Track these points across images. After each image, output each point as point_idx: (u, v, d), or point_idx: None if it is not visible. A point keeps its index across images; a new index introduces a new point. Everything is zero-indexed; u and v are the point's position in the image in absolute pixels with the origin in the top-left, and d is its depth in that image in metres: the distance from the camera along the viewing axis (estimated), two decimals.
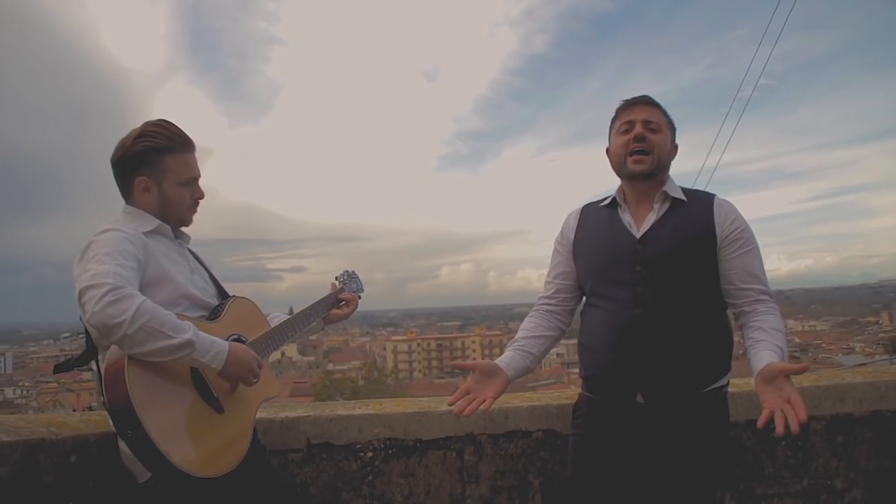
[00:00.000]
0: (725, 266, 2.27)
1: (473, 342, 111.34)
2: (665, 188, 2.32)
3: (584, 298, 2.46)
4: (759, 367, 2.03)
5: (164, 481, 1.96)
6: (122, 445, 2.01)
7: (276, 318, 2.53)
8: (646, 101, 2.36)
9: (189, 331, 1.91)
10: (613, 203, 2.41)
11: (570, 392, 3.01)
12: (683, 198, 2.32)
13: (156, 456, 1.83)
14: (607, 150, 2.43)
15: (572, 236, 2.48)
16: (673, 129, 2.38)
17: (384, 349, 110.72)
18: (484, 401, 2.17)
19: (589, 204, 2.53)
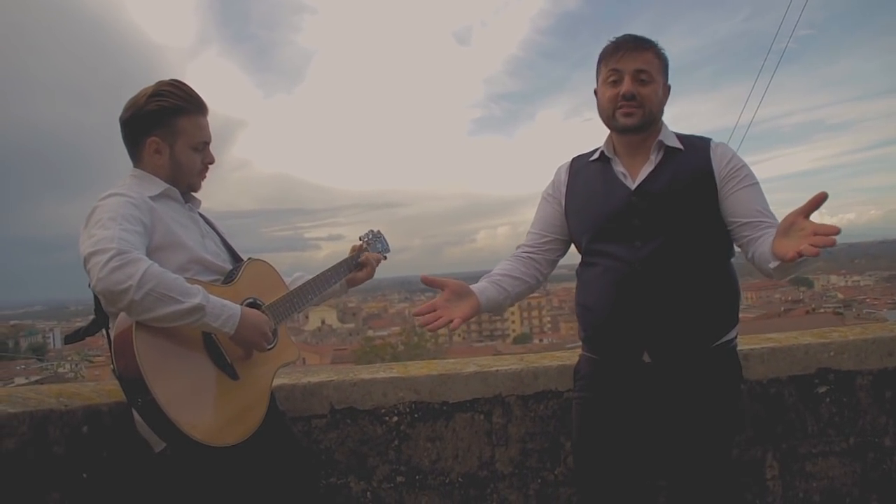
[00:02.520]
0: (727, 205, 2.15)
1: (512, 305, 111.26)
2: (661, 137, 2.20)
3: (581, 257, 2.35)
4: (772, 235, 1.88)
5: (179, 450, 1.91)
6: (136, 415, 1.96)
7: (300, 278, 2.46)
8: (635, 46, 2.17)
9: (198, 295, 1.84)
10: (604, 156, 2.28)
11: None
12: (679, 146, 2.20)
13: (166, 424, 1.78)
14: (595, 92, 2.28)
15: (563, 190, 2.37)
16: (667, 69, 2.22)
17: None
18: (451, 320, 2.08)
19: (578, 157, 2.40)
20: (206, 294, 1.87)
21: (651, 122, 2.18)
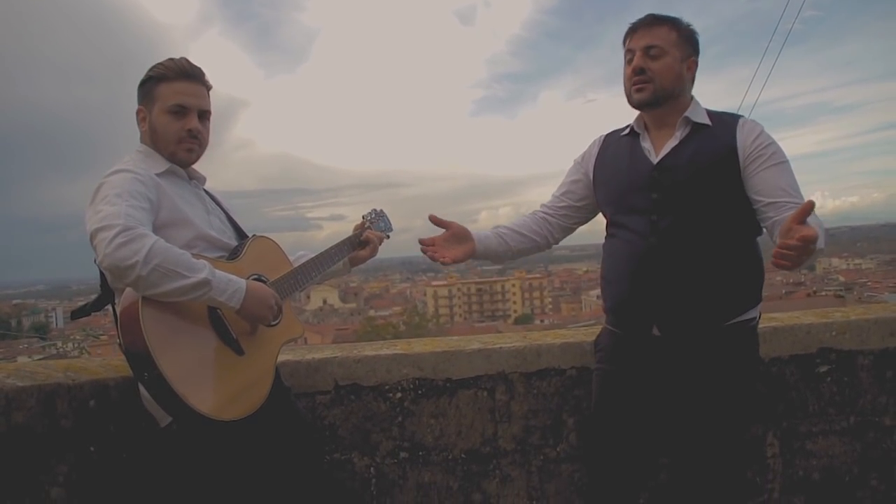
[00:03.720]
0: (751, 184, 2.12)
1: (514, 286, 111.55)
2: (687, 113, 2.21)
3: (606, 229, 2.39)
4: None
5: (185, 424, 1.93)
6: (143, 389, 1.98)
7: (303, 257, 2.47)
8: (648, 23, 2.20)
9: (205, 270, 1.85)
10: (633, 132, 2.32)
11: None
12: (707, 122, 2.20)
13: (173, 398, 1.79)
14: None
15: (592, 162, 2.41)
16: (689, 43, 2.22)
17: (424, 294, 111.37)
18: (444, 257, 2.27)
19: (611, 132, 2.43)
20: (212, 269, 1.88)
21: (666, 96, 2.19)
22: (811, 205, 1.76)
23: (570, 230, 2.54)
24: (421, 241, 2.33)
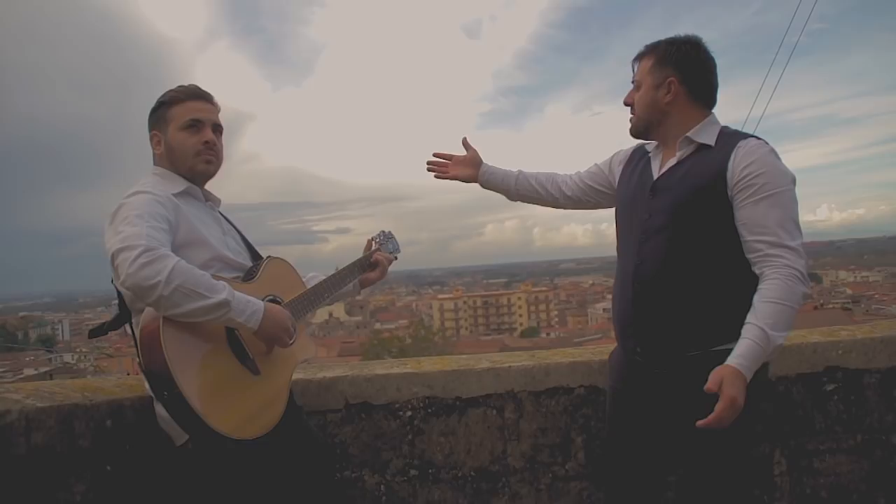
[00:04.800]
0: (737, 217, 2.04)
1: (519, 298, 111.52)
2: (690, 133, 2.16)
3: None
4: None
5: (202, 443, 1.96)
6: (159, 409, 2.01)
7: (314, 278, 2.51)
8: (636, 58, 2.28)
9: (224, 291, 1.89)
10: (655, 150, 2.34)
11: (613, 347, 2.94)
12: (710, 142, 2.14)
13: (192, 417, 1.82)
14: None
15: (618, 171, 2.46)
16: (666, 63, 2.18)
17: (430, 308, 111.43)
18: (445, 172, 2.72)
19: (640, 146, 2.42)
20: (232, 290, 1.91)
21: (646, 125, 2.25)
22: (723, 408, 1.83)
23: (580, 203, 2.62)
24: (435, 153, 2.73)
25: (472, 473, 2.74)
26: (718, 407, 1.83)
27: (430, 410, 2.74)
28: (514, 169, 2.69)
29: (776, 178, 2.02)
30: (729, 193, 2.05)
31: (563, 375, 2.75)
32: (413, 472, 2.73)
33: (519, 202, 2.73)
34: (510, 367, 2.76)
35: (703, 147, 2.15)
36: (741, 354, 1.89)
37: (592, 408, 2.73)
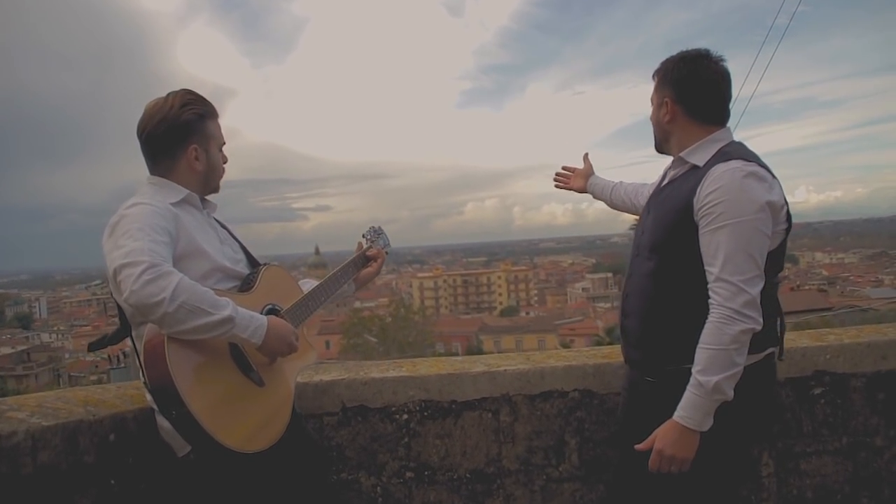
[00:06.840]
0: (700, 243, 2.02)
1: (499, 277, 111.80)
2: (683, 153, 2.16)
3: None
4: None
5: (207, 456, 1.96)
6: (160, 420, 2.02)
7: (307, 284, 2.51)
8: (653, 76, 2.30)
9: (228, 307, 1.87)
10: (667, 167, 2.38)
11: (606, 351, 2.99)
12: (699, 163, 2.10)
13: (202, 435, 1.82)
14: None
15: (658, 183, 2.43)
16: (664, 84, 2.19)
17: (410, 286, 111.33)
18: (568, 184, 3.00)
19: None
20: (235, 306, 1.91)
21: (659, 142, 2.29)
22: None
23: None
24: (565, 167, 3.05)
25: (467, 475, 2.78)
26: (650, 458, 1.99)
27: (425, 413, 2.77)
28: (616, 180, 2.85)
29: (737, 207, 1.94)
30: (695, 219, 2.02)
31: (558, 379, 2.79)
32: (409, 474, 2.77)
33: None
34: (505, 370, 2.79)
35: (694, 167, 2.12)
36: (681, 406, 1.96)
37: (586, 411, 2.78)
